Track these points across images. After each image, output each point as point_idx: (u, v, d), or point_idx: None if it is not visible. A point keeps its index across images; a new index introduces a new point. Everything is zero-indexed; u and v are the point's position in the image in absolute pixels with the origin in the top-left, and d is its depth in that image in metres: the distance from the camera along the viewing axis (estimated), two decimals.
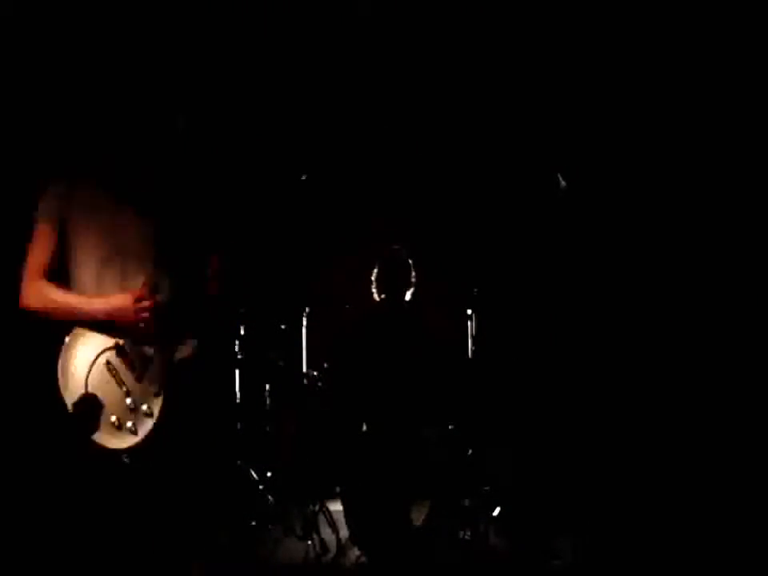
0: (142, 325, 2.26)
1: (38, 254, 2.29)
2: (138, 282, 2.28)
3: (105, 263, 2.27)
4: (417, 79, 4.96)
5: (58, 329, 2.24)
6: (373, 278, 4.04)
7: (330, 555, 3.95)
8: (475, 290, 4.30)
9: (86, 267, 2.27)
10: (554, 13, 4.32)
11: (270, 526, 4.30)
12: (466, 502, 3.92)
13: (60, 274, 2.30)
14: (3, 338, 3.37)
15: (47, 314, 2.28)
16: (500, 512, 4.08)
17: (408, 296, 4.01)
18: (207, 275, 2.46)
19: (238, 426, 4.77)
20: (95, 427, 2.15)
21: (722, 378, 3.79)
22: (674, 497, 3.78)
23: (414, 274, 4.01)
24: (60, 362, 2.22)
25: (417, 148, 5.37)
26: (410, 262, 4.04)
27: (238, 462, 4.49)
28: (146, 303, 2.26)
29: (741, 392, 3.76)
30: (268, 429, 4.72)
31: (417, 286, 4.02)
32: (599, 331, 4.24)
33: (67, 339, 2.24)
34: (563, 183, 4.02)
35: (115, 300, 2.27)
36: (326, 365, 4.36)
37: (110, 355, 2.24)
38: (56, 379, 2.20)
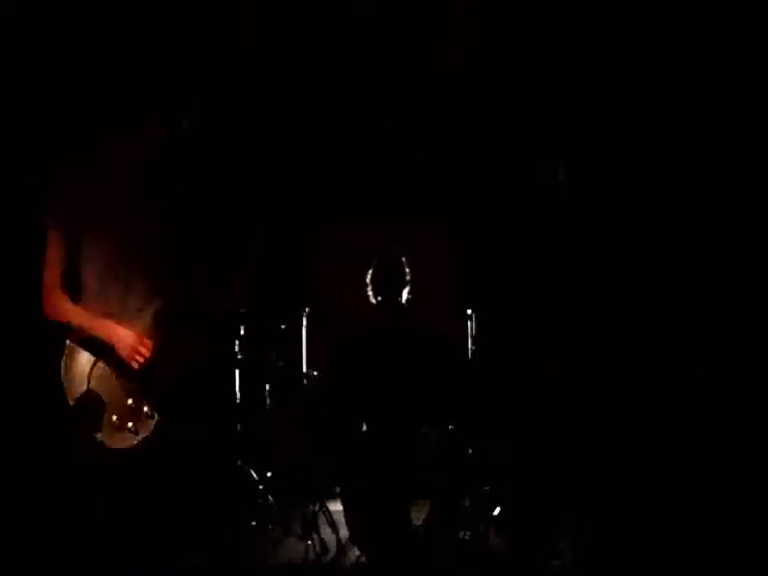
0: (132, 363, 2.26)
1: (56, 264, 2.27)
2: (140, 287, 2.28)
3: (108, 266, 2.27)
4: (417, 78, 4.97)
5: (61, 327, 2.24)
6: (368, 281, 4.02)
7: (330, 555, 3.95)
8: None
9: (90, 270, 2.27)
10: (554, 8, 4.33)
11: (270, 526, 4.30)
12: (466, 502, 3.92)
13: (71, 276, 2.29)
14: (7, 337, 3.37)
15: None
16: (500, 512, 4.08)
17: (405, 295, 3.99)
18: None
19: (238, 426, 4.77)
20: (97, 426, 2.15)
21: (723, 378, 3.79)
22: (674, 496, 3.78)
23: (408, 271, 3.99)
24: (63, 360, 2.23)
25: (416, 145, 5.37)
26: (404, 260, 4.02)
27: (238, 462, 4.49)
28: (144, 350, 2.26)
29: (741, 392, 3.76)
30: (268, 429, 4.72)
31: (414, 284, 4.01)
32: (599, 330, 4.24)
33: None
34: (563, 177, 4.02)
35: (121, 331, 2.27)
36: (325, 365, 4.36)
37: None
38: (59, 377, 2.21)
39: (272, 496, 4.41)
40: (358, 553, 3.77)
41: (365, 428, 3.89)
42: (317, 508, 4.17)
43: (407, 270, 3.97)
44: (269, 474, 4.56)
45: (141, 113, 2.29)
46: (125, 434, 2.17)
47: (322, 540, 4.01)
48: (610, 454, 3.99)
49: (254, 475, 4.46)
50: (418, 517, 3.72)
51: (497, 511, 4.09)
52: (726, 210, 3.86)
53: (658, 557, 3.52)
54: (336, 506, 4.09)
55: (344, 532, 3.86)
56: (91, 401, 2.15)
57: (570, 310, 4.43)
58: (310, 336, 4.75)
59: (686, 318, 3.95)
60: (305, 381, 4.54)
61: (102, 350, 2.23)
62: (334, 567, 3.86)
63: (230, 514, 4.21)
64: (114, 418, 2.17)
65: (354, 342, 4.07)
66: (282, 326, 4.74)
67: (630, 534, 3.69)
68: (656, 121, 4.06)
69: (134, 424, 2.18)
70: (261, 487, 4.43)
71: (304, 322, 4.75)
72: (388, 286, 3.96)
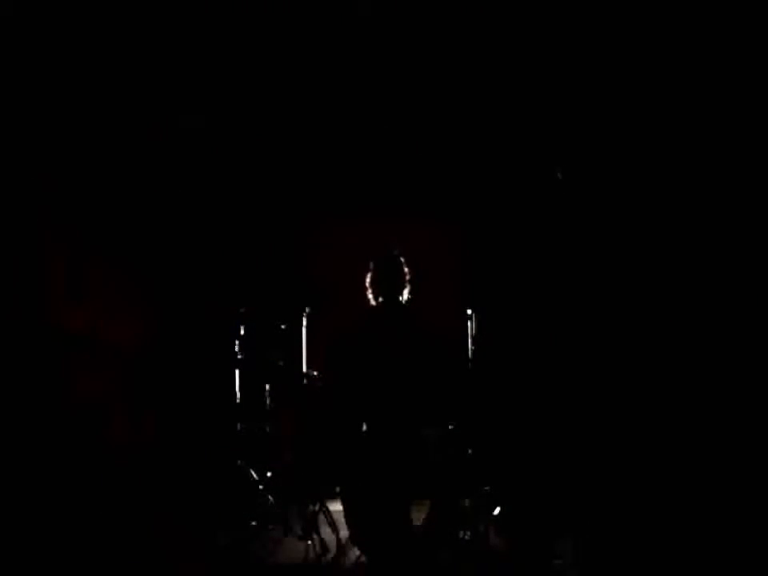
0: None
1: (58, 267, 2.28)
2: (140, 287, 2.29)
3: (109, 267, 2.27)
4: (417, 77, 4.97)
5: (61, 331, 2.25)
6: (367, 283, 4.01)
7: (330, 555, 3.95)
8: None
9: (91, 271, 2.28)
10: (553, 10, 4.33)
11: (270, 526, 4.30)
12: (466, 502, 3.92)
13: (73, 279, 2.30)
14: (10, 339, 3.38)
15: None
16: (500, 512, 4.08)
17: (405, 295, 3.98)
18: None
19: (238, 426, 4.77)
20: (101, 424, 2.16)
21: (723, 378, 3.79)
22: (674, 496, 3.78)
23: (408, 271, 3.99)
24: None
25: (417, 145, 5.38)
26: (403, 260, 4.01)
27: (238, 461, 4.49)
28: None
29: (741, 392, 3.76)
30: (268, 429, 4.73)
31: (414, 284, 4.00)
32: (599, 330, 4.24)
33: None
34: (561, 178, 4.01)
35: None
36: (323, 365, 4.35)
37: None
38: (59, 380, 2.21)
39: (272, 496, 4.41)
40: (357, 553, 3.77)
41: (365, 428, 3.89)
42: (317, 508, 4.17)
43: (407, 270, 3.97)
44: (269, 474, 4.56)
45: (141, 114, 2.30)
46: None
47: (322, 540, 4.01)
48: (610, 454, 3.99)
49: (254, 475, 4.46)
50: (418, 517, 3.72)
51: (497, 511, 4.09)
52: (725, 209, 3.87)
53: (657, 557, 3.52)
54: (336, 506, 4.09)
55: (344, 532, 3.86)
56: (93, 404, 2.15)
57: (570, 308, 4.43)
58: (309, 336, 4.76)
59: (685, 316, 3.95)
60: (305, 381, 4.54)
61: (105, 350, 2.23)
62: (334, 567, 3.86)
63: (229, 514, 4.21)
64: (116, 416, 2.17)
65: (353, 342, 4.07)
66: (282, 326, 4.75)
67: (630, 533, 3.69)
68: (653, 122, 4.06)
69: (134, 424, 2.19)
70: (261, 487, 4.44)
71: (304, 322, 4.76)
72: (388, 286, 3.96)
